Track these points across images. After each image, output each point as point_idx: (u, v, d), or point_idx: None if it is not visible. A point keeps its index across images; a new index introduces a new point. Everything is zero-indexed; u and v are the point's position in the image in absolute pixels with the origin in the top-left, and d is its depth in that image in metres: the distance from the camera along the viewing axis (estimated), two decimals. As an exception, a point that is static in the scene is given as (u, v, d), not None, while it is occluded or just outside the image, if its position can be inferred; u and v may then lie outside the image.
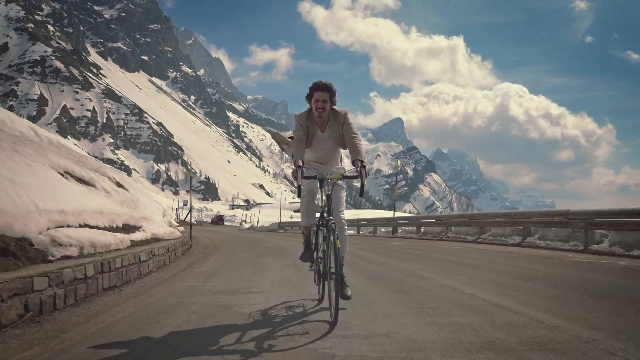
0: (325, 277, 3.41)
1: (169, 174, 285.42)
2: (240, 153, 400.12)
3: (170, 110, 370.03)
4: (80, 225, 5.12)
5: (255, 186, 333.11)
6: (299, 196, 3.47)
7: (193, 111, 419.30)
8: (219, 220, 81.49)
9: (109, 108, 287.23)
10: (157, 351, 2.69)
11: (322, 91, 3.51)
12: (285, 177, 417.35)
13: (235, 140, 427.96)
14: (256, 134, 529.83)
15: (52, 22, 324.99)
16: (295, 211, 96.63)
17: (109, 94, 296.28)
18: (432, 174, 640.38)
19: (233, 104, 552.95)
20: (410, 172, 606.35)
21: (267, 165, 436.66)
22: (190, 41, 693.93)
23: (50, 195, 4.87)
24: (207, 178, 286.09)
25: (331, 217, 3.35)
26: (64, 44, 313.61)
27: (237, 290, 4.74)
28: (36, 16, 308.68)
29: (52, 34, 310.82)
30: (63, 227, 4.53)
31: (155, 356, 2.60)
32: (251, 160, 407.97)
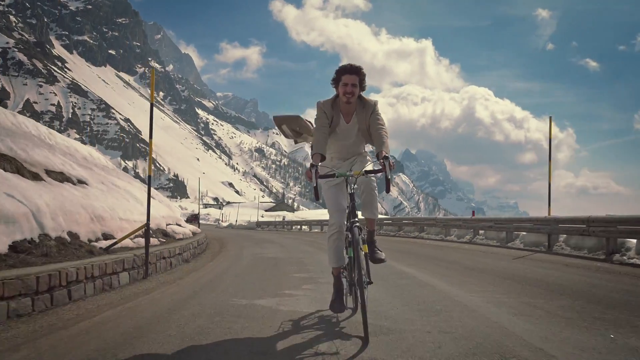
0: (354, 286, 3.07)
1: (137, 170, 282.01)
2: (210, 151, 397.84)
3: (138, 107, 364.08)
4: (169, 224, 8.63)
5: (224, 184, 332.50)
6: (316, 199, 2.93)
7: (162, 107, 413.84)
8: (194, 218, 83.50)
9: (75, 103, 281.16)
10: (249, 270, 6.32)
11: (351, 74, 3.11)
12: (254, 176, 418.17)
13: (204, 138, 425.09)
14: (226, 132, 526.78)
15: (14, 12, 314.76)
16: (266, 210, 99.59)
17: (75, 88, 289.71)
18: (400, 174, 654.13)
19: (202, 101, 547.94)
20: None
21: (237, 164, 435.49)
22: (159, 36, 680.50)
23: (154, 208, 8.37)
24: (176, 176, 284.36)
25: (355, 219, 3.05)
26: (26, 36, 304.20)
27: (261, 254, 8.35)
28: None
29: (14, 24, 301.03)
30: (171, 224, 8.06)
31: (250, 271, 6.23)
32: (220, 158, 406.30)
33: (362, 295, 2.75)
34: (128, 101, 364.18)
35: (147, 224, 5.47)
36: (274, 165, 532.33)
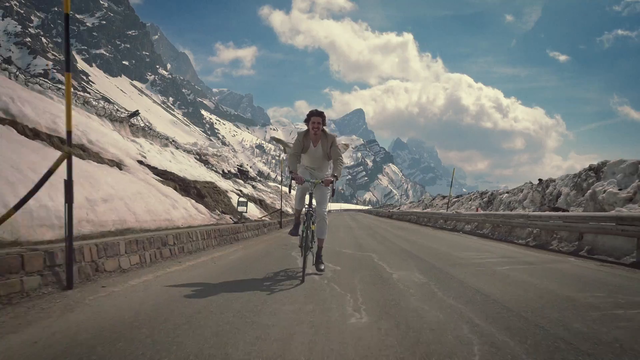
0: (304, 250, 5.08)
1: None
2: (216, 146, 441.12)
3: (154, 112, 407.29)
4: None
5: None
6: (289, 192, 5.69)
7: (172, 112, 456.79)
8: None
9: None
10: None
11: (317, 116, 5.18)
12: (259, 171, 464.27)
13: (212, 138, 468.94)
14: (228, 130, 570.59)
15: (42, 33, 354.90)
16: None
17: (104, 100, 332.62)
18: (390, 164, 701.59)
19: (204, 101, 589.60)
20: (370, 164, 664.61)
21: (222, 149, 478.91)
22: (157, 36, 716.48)
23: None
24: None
25: (311, 208, 5.15)
26: (56, 55, 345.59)
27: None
28: (30, 29, 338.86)
29: (45, 45, 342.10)
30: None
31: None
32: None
33: (305, 255, 5.03)
34: (144, 108, 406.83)
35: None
36: (273, 160, 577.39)
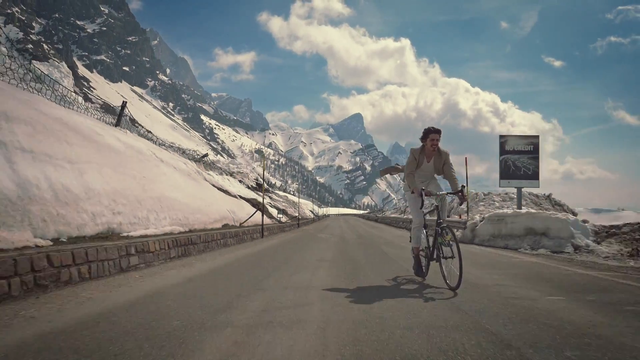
0: (432, 259, 5.15)
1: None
2: (218, 155, 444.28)
3: (154, 118, 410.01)
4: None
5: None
6: (420, 207, 5.18)
7: (172, 117, 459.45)
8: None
9: (109, 121, 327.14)
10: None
11: (435, 133, 5.24)
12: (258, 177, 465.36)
13: (211, 143, 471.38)
14: (227, 135, 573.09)
15: (43, 39, 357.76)
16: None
17: (106, 107, 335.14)
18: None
19: (203, 106, 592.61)
20: (369, 168, 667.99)
21: (240, 165, 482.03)
22: (156, 42, 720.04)
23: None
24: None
25: (441, 220, 5.01)
26: (57, 61, 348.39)
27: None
28: (31, 36, 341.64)
29: (47, 52, 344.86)
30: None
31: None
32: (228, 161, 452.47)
33: (440, 263, 5.03)
34: (145, 113, 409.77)
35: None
36: (272, 165, 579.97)
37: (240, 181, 37.41)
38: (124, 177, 8.12)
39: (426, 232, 5.41)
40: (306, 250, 10.17)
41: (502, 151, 18.49)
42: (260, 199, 35.64)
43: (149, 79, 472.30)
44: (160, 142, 26.54)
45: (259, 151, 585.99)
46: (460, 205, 5.55)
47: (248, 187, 37.90)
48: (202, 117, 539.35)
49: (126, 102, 17.49)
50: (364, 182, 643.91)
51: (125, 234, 6.87)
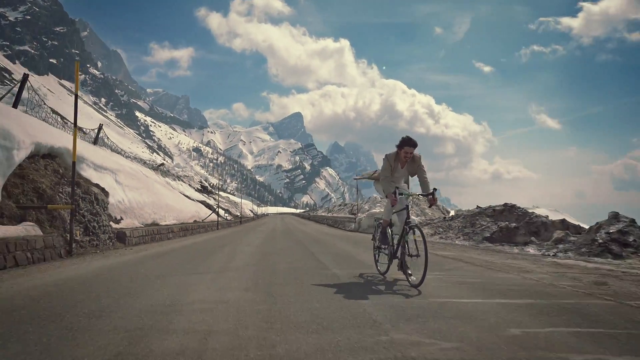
0: (395, 257, 5.28)
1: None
2: (154, 154, 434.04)
3: (85, 114, 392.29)
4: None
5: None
6: (392, 206, 5.25)
7: (105, 113, 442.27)
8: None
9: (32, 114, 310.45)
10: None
11: (411, 147, 5.26)
12: (197, 173, 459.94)
13: (147, 141, 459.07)
14: (164, 133, 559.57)
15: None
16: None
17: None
18: (327, 168, 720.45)
19: (138, 102, 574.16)
20: (308, 167, 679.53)
21: (179, 163, 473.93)
22: (86, 33, 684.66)
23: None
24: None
25: (410, 220, 5.10)
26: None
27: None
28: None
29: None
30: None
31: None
32: (164, 160, 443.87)
33: (404, 261, 5.09)
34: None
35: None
36: (211, 164, 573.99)
37: (189, 185, 44.35)
38: (150, 194, 15.18)
39: (391, 231, 5.56)
40: (249, 235, 17.62)
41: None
42: (207, 201, 42.30)
43: (79, 73, 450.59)
44: (127, 154, 32.91)
45: (197, 149, 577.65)
46: (430, 207, 5.97)
47: (197, 190, 44.81)
48: (137, 113, 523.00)
49: (102, 125, 23.67)
50: (304, 181, 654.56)
51: (161, 224, 14.05)
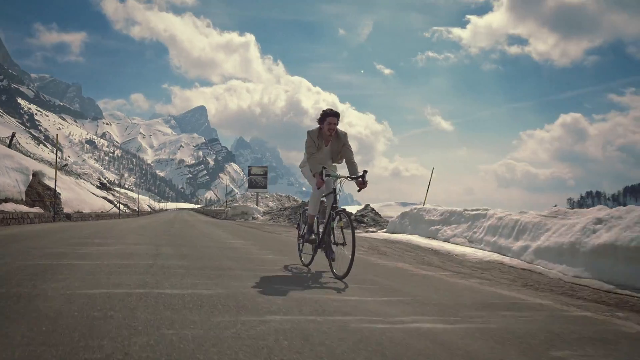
0: (320, 246, 4.74)
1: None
2: (41, 145, 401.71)
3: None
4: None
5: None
6: (318, 188, 4.65)
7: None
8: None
9: None
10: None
11: (333, 117, 4.70)
12: (91, 168, 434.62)
13: (32, 131, 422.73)
14: (52, 123, 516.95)
15: None
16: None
17: None
18: (232, 163, 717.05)
19: (20, 88, 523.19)
20: (212, 162, 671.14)
21: (69, 157, 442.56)
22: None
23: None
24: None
25: (337, 205, 4.63)
26: None
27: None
28: None
29: None
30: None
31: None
32: (52, 152, 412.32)
33: (329, 248, 4.58)
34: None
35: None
36: (107, 157, 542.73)
37: (90, 183, 51.31)
38: (71, 192, 23.58)
39: (317, 220, 4.98)
40: (147, 219, 26.59)
41: (249, 174, 37.36)
42: (107, 197, 49.13)
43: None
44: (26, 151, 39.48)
45: (90, 142, 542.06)
46: (359, 191, 4.71)
47: (97, 187, 51.60)
48: (20, 100, 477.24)
49: (15, 132, 30.58)
50: (207, 177, 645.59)
51: (84, 212, 22.70)
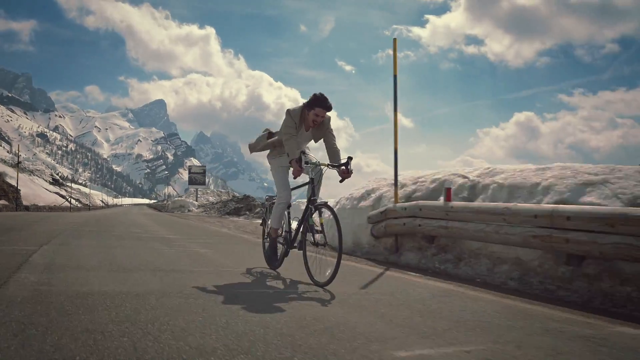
0: (291, 247, 3.97)
1: None
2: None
3: None
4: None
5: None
6: (295, 177, 3.78)
7: None
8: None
9: None
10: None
11: (324, 109, 3.85)
12: (44, 163, 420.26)
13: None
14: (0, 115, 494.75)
15: None
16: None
17: None
18: (192, 158, 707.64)
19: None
20: (171, 157, 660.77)
21: (18, 152, 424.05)
22: None
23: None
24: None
25: (315, 197, 3.83)
26: None
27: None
28: None
29: None
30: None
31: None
32: (1, 146, 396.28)
33: (305, 252, 3.81)
34: None
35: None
36: (60, 152, 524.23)
37: (43, 179, 54.75)
38: (27, 188, 28.23)
39: (288, 213, 4.20)
40: (94, 213, 31.46)
41: (190, 172, 42.66)
42: (60, 192, 52.85)
43: None
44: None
45: (42, 135, 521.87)
46: (341, 182, 3.89)
47: (50, 183, 55.19)
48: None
49: None
50: (166, 172, 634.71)
51: (39, 205, 27.50)
